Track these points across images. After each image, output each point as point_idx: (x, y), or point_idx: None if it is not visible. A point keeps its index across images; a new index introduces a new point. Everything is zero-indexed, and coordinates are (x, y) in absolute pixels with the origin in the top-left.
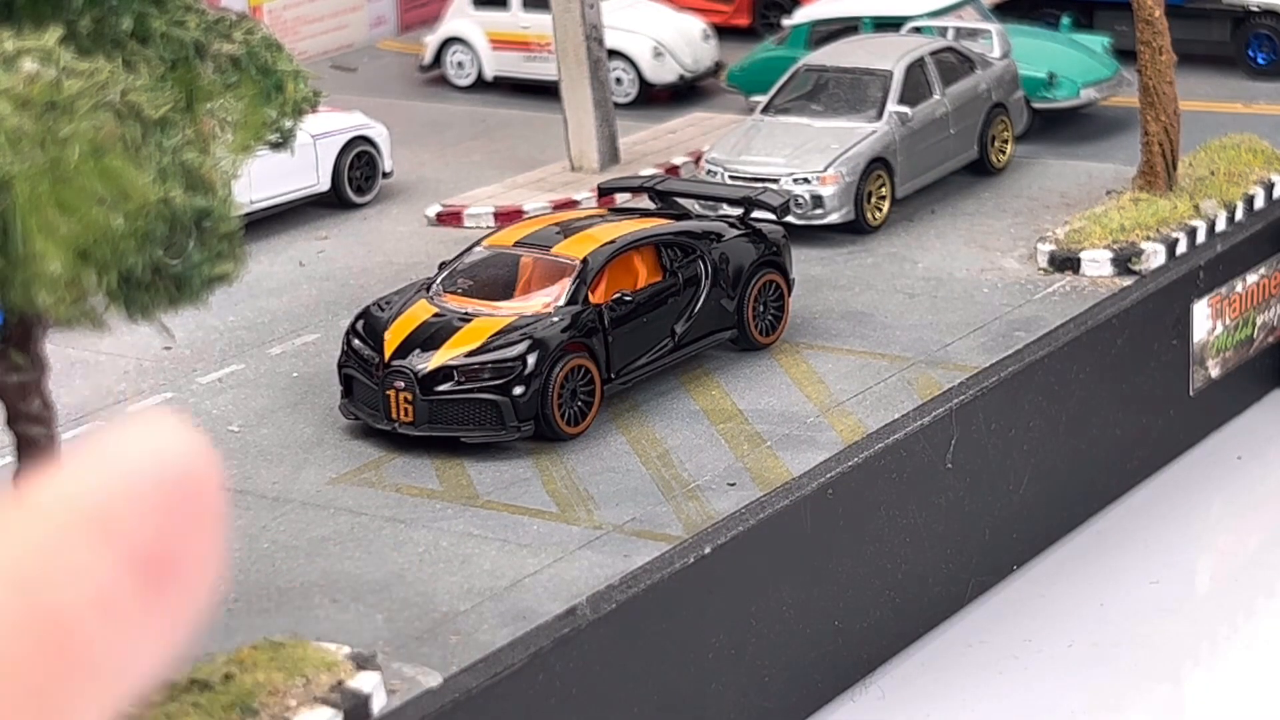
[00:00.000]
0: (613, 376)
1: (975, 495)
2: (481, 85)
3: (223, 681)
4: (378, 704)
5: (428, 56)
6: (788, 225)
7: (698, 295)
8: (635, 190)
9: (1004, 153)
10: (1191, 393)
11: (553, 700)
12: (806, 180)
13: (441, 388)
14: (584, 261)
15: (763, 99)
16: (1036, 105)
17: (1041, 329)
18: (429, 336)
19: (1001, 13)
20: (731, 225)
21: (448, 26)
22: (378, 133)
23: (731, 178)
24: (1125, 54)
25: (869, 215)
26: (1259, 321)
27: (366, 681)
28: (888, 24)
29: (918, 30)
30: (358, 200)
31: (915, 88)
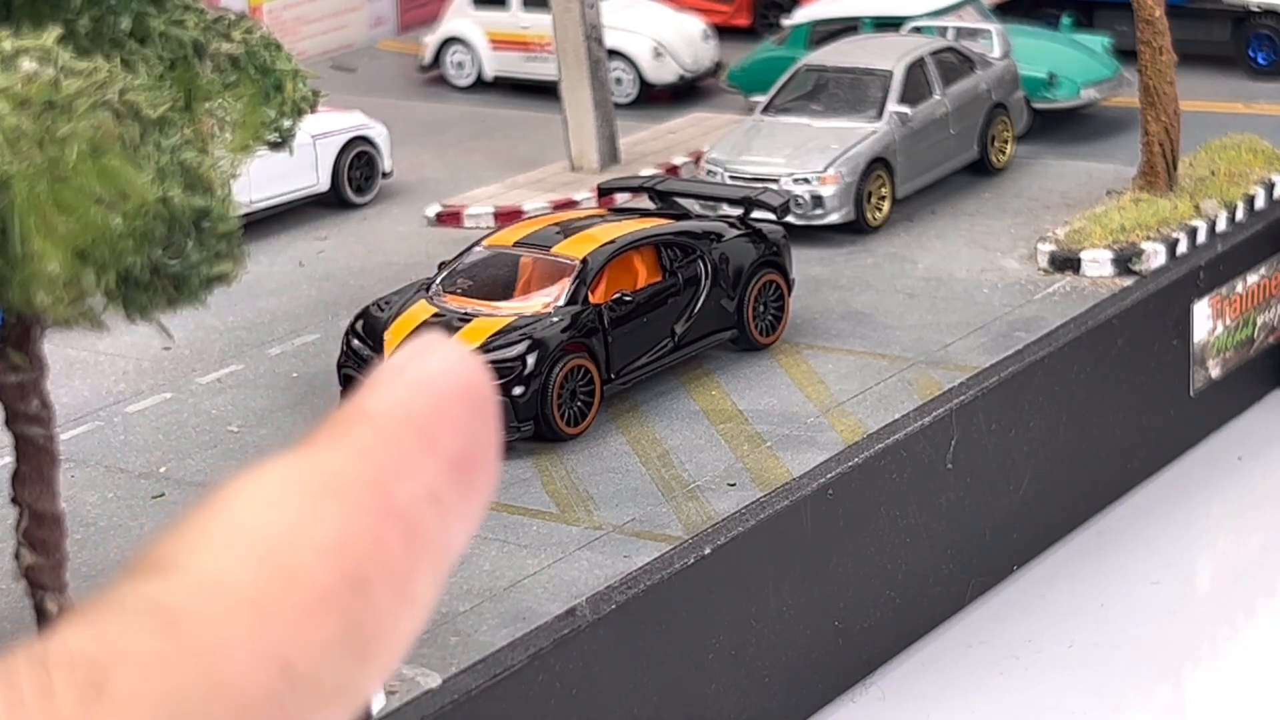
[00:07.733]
0: (613, 377)
1: (975, 495)
2: (481, 85)
3: None
4: (377, 705)
5: (428, 56)
6: (788, 225)
7: (698, 295)
8: (635, 190)
9: (1004, 153)
10: (1192, 393)
11: (553, 700)
12: (806, 180)
13: None
14: (584, 261)
15: (763, 99)
16: (1037, 105)
17: (1042, 329)
18: None
19: (1001, 13)
20: (731, 225)
21: (447, 26)
22: (377, 133)
23: (731, 178)
24: (1126, 54)
25: (869, 215)
26: (1259, 321)
27: None
28: (888, 24)
29: (918, 30)
30: (357, 200)
31: (915, 88)
